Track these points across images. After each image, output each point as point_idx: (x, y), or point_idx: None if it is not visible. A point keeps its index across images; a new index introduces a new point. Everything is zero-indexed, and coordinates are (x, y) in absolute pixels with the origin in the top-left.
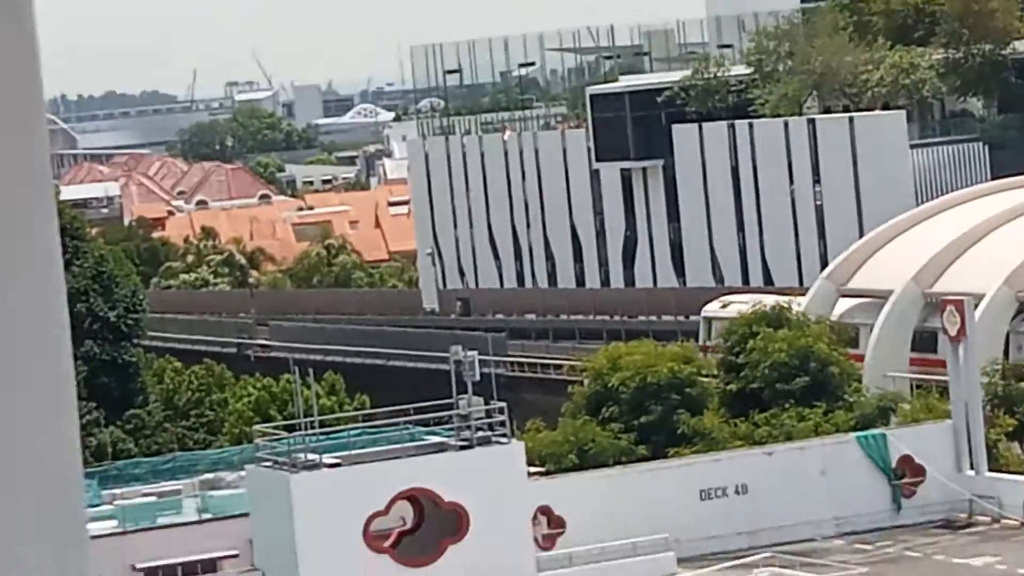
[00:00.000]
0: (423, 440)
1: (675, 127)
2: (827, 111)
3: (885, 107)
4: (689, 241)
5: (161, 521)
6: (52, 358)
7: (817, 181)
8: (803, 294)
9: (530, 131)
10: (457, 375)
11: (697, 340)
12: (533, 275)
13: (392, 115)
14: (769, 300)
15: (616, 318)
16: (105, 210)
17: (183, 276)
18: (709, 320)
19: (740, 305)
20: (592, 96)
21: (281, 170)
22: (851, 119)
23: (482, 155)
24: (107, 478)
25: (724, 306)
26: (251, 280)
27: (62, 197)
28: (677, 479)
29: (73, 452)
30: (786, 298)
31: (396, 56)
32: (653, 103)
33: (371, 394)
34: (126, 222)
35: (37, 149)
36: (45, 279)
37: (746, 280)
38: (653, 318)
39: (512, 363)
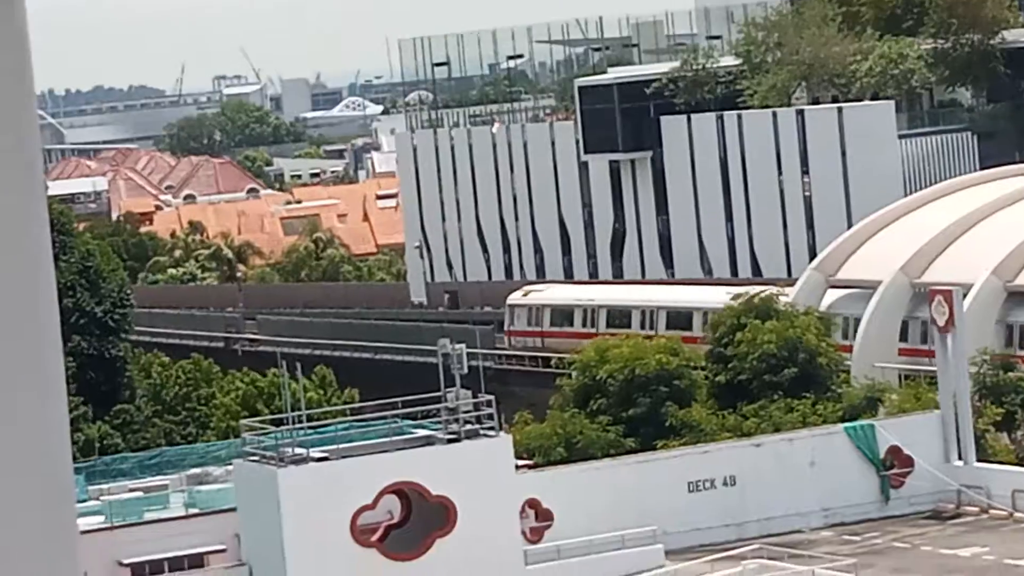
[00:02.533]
0: (411, 434)
1: (663, 119)
2: (816, 102)
3: (874, 97)
4: (677, 233)
5: (148, 516)
6: (43, 353)
7: (806, 172)
8: (792, 284)
9: (518, 123)
10: (445, 368)
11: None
12: (522, 268)
13: (380, 108)
14: (568, 290)
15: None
16: (93, 205)
17: (171, 271)
18: (512, 307)
19: (541, 295)
20: (580, 88)
21: (269, 164)
22: (840, 110)
23: (470, 148)
24: (94, 473)
25: (526, 294)
26: (239, 274)
27: (49, 192)
28: (665, 471)
29: (63, 447)
30: (581, 287)
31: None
32: (641, 95)
33: (359, 388)
34: (114, 217)
35: (28, 144)
36: (36, 274)
37: (735, 272)
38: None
39: (500, 356)
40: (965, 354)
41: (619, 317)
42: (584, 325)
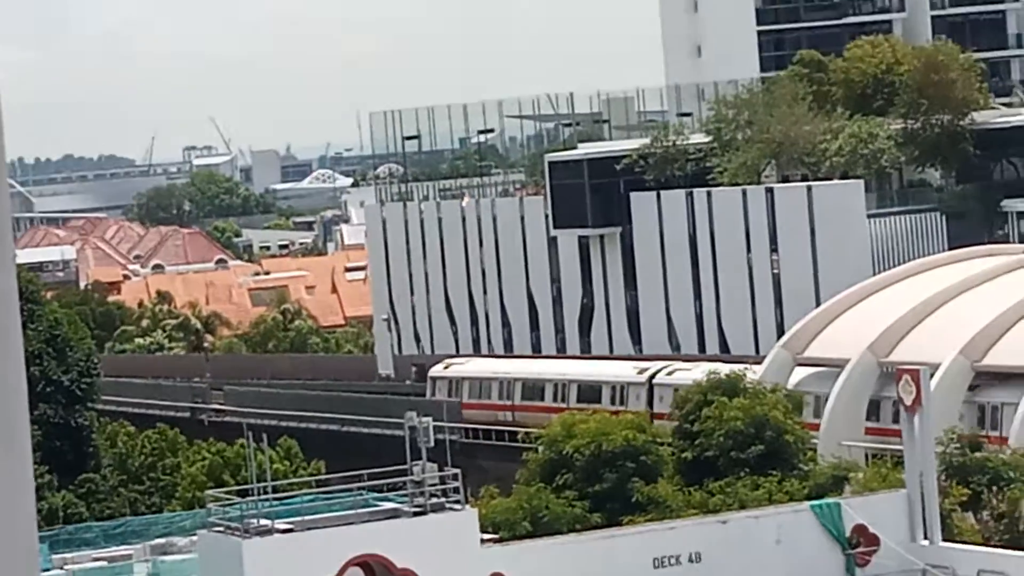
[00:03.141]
0: (377, 506)
1: (633, 195)
2: (785, 180)
3: (843, 176)
4: (646, 309)
5: None
6: (10, 421)
7: (775, 250)
8: (759, 363)
9: (488, 198)
10: (412, 441)
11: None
12: (489, 342)
13: (350, 181)
14: (487, 363)
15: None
16: (61, 273)
17: (138, 340)
18: (434, 380)
19: (461, 367)
20: (551, 163)
21: (238, 235)
22: (809, 188)
23: (440, 221)
24: (58, 542)
25: (447, 367)
26: (206, 344)
27: (18, 260)
28: (631, 547)
29: (28, 515)
30: (499, 360)
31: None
32: (612, 171)
33: (326, 459)
34: (82, 286)
35: None
36: (4, 342)
37: (702, 348)
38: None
39: (467, 429)
40: (932, 434)
41: (533, 390)
42: (500, 397)
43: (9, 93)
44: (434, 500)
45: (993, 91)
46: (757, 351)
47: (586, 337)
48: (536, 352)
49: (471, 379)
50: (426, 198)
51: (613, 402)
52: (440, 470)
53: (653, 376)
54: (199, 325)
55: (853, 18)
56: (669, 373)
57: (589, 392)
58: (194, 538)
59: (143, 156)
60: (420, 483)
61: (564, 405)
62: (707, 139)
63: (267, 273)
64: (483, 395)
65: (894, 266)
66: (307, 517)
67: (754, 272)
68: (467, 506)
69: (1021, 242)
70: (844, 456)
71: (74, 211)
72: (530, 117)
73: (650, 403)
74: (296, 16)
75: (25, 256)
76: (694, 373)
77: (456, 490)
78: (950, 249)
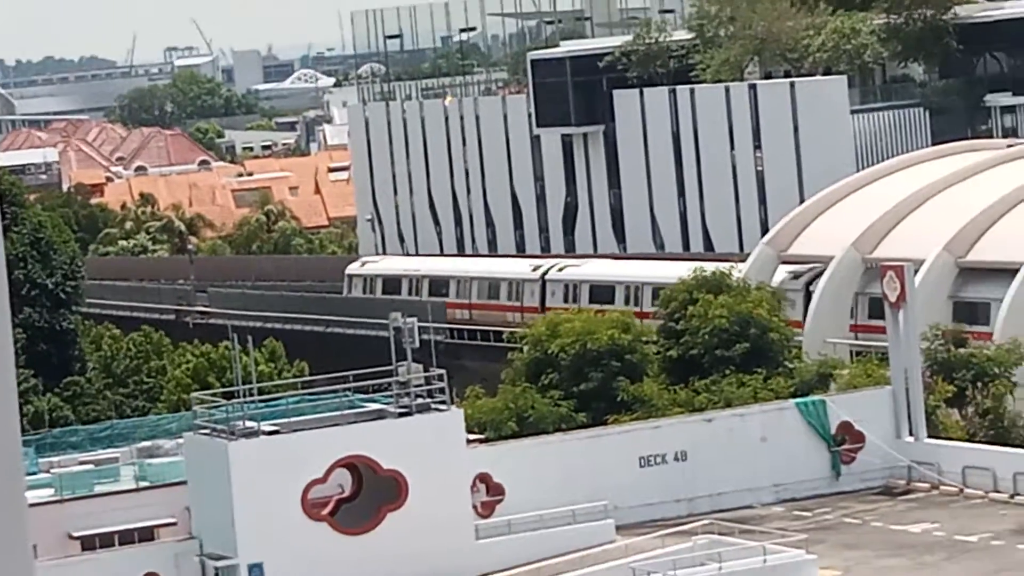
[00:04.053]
0: (362, 407)
1: (616, 92)
2: (768, 76)
3: (826, 72)
4: (630, 207)
5: (98, 489)
6: None
7: (758, 147)
8: (743, 260)
9: (471, 97)
10: (396, 342)
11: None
12: (473, 241)
13: (333, 80)
14: (399, 261)
15: None
16: (44, 176)
17: (122, 242)
18: (350, 277)
19: (375, 265)
20: (533, 61)
21: (220, 136)
22: (792, 84)
23: (422, 120)
24: (44, 446)
25: (362, 265)
26: (190, 246)
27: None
28: (616, 446)
29: (11, 419)
30: (410, 259)
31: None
32: (594, 68)
33: (310, 361)
34: (64, 188)
35: None
36: None
37: (686, 246)
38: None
39: (452, 330)
40: (917, 330)
41: (439, 286)
42: (409, 293)
43: None
44: (420, 401)
45: None
46: (741, 249)
47: (570, 236)
48: (520, 252)
49: (384, 276)
50: (408, 97)
51: (510, 298)
52: (425, 371)
53: (545, 273)
54: (183, 227)
55: None
56: (560, 269)
57: (488, 289)
58: (180, 441)
59: (125, 57)
60: (405, 384)
61: (466, 301)
62: (690, 36)
63: (250, 174)
64: (394, 292)
65: (878, 162)
66: (293, 419)
67: (738, 169)
68: (453, 406)
69: (1004, 136)
70: (829, 353)
71: (56, 113)
72: (512, 15)
73: (543, 298)
74: None
75: (7, 159)
76: (583, 269)
77: (442, 390)
78: (933, 144)
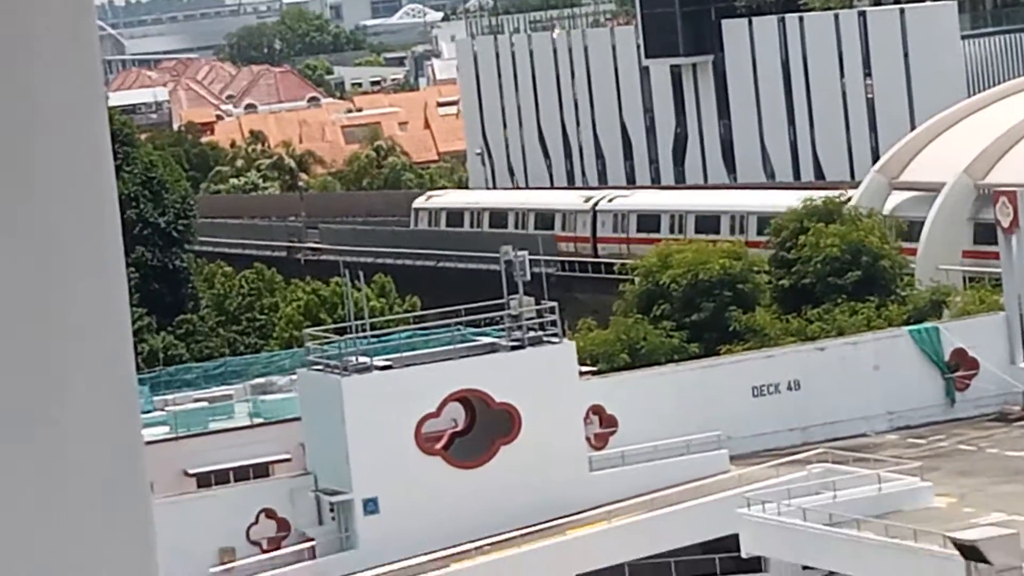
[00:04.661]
0: (474, 341)
1: (724, 22)
2: (878, 3)
3: None
4: (740, 137)
5: (213, 426)
6: (105, 263)
7: (868, 74)
8: (855, 188)
9: (579, 29)
10: (508, 276)
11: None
12: (583, 174)
13: (441, 15)
14: (462, 195)
15: None
16: (154, 115)
17: (232, 180)
18: (416, 211)
19: (440, 199)
20: None
21: (329, 72)
22: (902, 11)
23: (531, 54)
24: (159, 384)
25: (429, 199)
26: (300, 183)
27: (111, 103)
28: (729, 376)
29: (127, 357)
30: (475, 192)
31: None
32: None
33: (421, 296)
34: (175, 127)
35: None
36: (98, 184)
37: (797, 175)
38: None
39: (563, 262)
40: None
41: (499, 218)
42: (471, 225)
43: None
44: (532, 334)
45: None
46: (852, 177)
47: (680, 167)
48: (631, 183)
49: (448, 209)
50: (517, 31)
51: (563, 228)
52: (537, 303)
53: (596, 204)
54: (293, 164)
55: None
56: (610, 200)
57: (542, 220)
58: (294, 377)
59: None
60: (517, 317)
61: (524, 231)
62: None
63: (359, 110)
64: (456, 224)
65: (989, 87)
66: (405, 354)
67: (848, 97)
68: (565, 339)
69: None
70: (942, 280)
71: (165, 52)
72: None
73: (594, 229)
74: None
75: (118, 99)
76: (632, 199)
77: (553, 323)
78: None
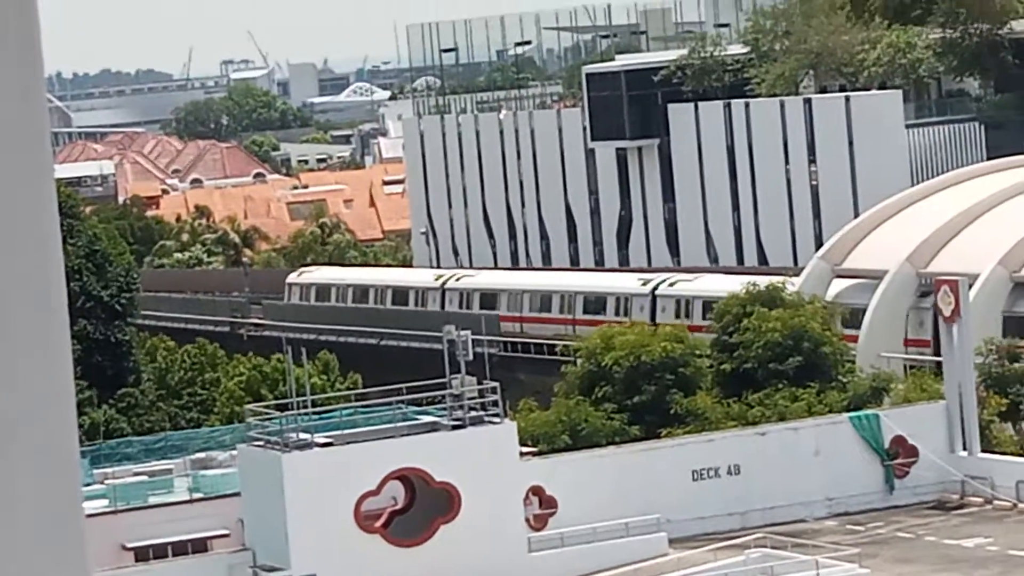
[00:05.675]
0: (415, 420)
1: (671, 106)
2: (823, 91)
3: (882, 87)
4: (684, 220)
5: (152, 500)
6: (51, 336)
7: (813, 161)
8: (798, 274)
9: (526, 110)
10: (450, 355)
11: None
12: (527, 255)
13: (388, 94)
14: (334, 272)
15: None
16: (99, 188)
17: (177, 255)
18: (290, 286)
19: (311, 275)
20: (588, 75)
21: (276, 149)
22: (847, 99)
23: (477, 134)
24: (99, 457)
25: (300, 274)
26: (245, 259)
27: (56, 175)
28: (670, 459)
29: (69, 430)
30: (346, 269)
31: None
32: (649, 82)
33: (364, 374)
34: (120, 200)
35: (37, 127)
36: (45, 256)
37: (740, 260)
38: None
39: (505, 343)
40: (971, 344)
41: (361, 295)
42: (336, 300)
43: (47, 7)
44: (473, 413)
45: None
46: (796, 263)
47: (624, 249)
48: (574, 264)
49: (317, 285)
50: (464, 111)
51: (416, 304)
52: (479, 383)
53: (445, 282)
54: (238, 239)
55: None
56: (457, 280)
57: (398, 296)
58: (234, 452)
59: (181, 70)
60: (459, 396)
61: (381, 306)
62: (745, 50)
63: (305, 187)
64: (324, 298)
65: (933, 176)
66: (346, 431)
67: (792, 183)
68: (506, 419)
69: None
70: (883, 367)
71: (112, 125)
72: (567, 29)
73: (443, 305)
74: None
75: (63, 171)
76: (476, 279)
77: (495, 403)
78: (989, 159)
